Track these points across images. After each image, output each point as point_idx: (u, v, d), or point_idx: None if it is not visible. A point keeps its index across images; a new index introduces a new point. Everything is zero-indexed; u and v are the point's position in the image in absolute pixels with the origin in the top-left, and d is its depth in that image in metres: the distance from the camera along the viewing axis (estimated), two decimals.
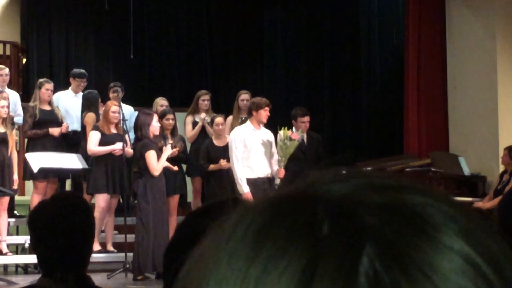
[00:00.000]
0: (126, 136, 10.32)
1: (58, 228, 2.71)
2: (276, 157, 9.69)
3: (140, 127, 9.72)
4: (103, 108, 10.47)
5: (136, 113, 11.31)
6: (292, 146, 9.66)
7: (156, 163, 9.52)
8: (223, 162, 10.42)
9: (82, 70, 11.75)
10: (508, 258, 0.56)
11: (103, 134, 10.18)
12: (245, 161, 9.45)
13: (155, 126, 9.70)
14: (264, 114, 9.63)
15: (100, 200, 10.12)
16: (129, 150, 10.23)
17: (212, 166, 10.51)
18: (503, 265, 0.55)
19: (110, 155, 10.18)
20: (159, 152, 9.66)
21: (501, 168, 10.33)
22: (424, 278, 0.52)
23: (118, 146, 10.17)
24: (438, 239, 0.54)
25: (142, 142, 9.69)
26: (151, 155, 9.52)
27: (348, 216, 0.55)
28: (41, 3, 14.29)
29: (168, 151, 9.73)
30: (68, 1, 14.39)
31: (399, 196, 0.57)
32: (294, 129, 10.12)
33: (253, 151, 9.50)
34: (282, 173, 9.64)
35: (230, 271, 0.55)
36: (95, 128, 10.28)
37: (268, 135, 9.74)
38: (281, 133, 9.68)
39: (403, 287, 0.51)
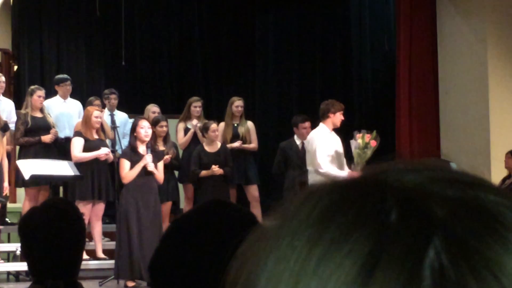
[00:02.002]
0: (107, 141, 10.35)
1: (48, 235, 2.70)
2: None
3: (130, 133, 9.77)
4: (84, 114, 10.49)
5: (131, 120, 11.37)
6: (371, 151, 9.53)
7: (124, 170, 9.49)
8: (215, 168, 10.41)
9: (64, 75, 11.76)
10: None
11: (86, 140, 10.17)
12: None
13: (139, 132, 9.62)
14: (340, 117, 9.53)
15: (83, 208, 10.11)
16: (111, 156, 10.23)
17: (203, 172, 10.50)
18: None
19: (95, 160, 10.18)
20: (137, 160, 9.61)
21: (494, 173, 10.33)
22: (492, 278, 0.50)
23: (103, 151, 10.17)
24: (510, 240, 0.52)
25: (123, 149, 9.76)
26: (121, 163, 9.56)
27: (417, 206, 0.54)
28: (33, 11, 14.27)
29: (143, 161, 9.57)
30: (60, 9, 14.37)
31: (471, 192, 0.55)
32: (368, 134, 9.80)
33: (330, 154, 9.41)
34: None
35: (291, 250, 0.54)
36: (78, 134, 10.26)
37: (338, 138, 9.61)
38: (360, 141, 9.50)
39: (470, 284, 0.50)
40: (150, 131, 9.77)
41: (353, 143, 9.58)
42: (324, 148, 9.25)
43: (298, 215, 0.56)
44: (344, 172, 9.25)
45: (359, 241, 0.52)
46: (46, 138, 10.58)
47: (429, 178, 0.56)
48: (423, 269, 0.50)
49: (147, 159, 9.58)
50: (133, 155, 9.57)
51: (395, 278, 0.50)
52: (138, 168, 9.52)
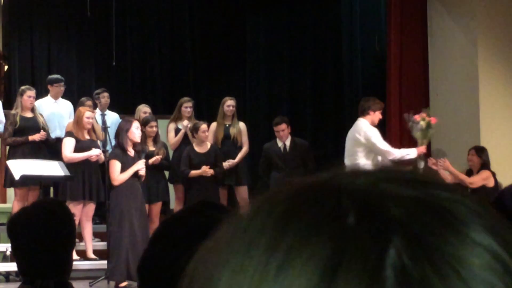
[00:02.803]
0: (99, 142, 10.32)
1: (37, 235, 2.70)
2: None
3: (118, 133, 9.68)
4: (76, 114, 10.47)
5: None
6: (432, 128, 9.85)
7: (115, 172, 9.44)
8: (205, 168, 10.41)
9: (58, 75, 11.74)
10: None
11: (77, 141, 10.16)
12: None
13: (133, 133, 9.60)
14: (379, 116, 9.81)
15: (74, 208, 10.09)
16: (102, 157, 10.22)
17: (193, 172, 10.50)
18: None
19: (86, 161, 10.15)
20: (129, 161, 9.58)
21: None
22: (453, 273, 0.51)
23: (94, 152, 10.15)
24: (467, 235, 0.53)
25: (112, 150, 9.72)
26: (112, 164, 9.50)
27: (374, 207, 0.54)
28: (23, 10, 14.24)
29: (138, 165, 9.56)
30: (50, 9, 14.34)
31: (426, 191, 0.55)
32: (423, 113, 10.05)
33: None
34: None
35: (248, 260, 0.53)
36: (69, 134, 10.24)
37: None
38: (422, 123, 9.73)
39: (432, 280, 0.50)
40: (140, 133, 9.81)
41: (413, 126, 9.71)
42: (379, 137, 9.55)
43: (253, 224, 0.55)
44: (413, 149, 9.73)
45: (318, 246, 0.52)
46: (34, 137, 10.54)
47: (382, 179, 0.57)
48: (385, 270, 0.50)
49: (141, 165, 9.57)
50: (124, 157, 9.55)
51: (357, 280, 0.50)
52: (131, 171, 9.49)
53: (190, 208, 1.85)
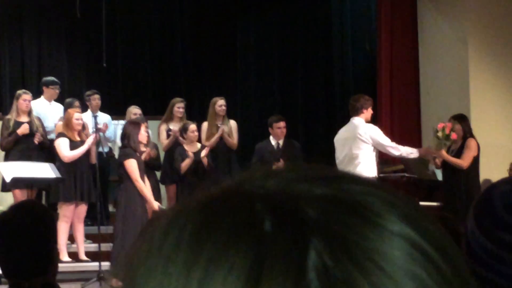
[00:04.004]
0: (91, 140, 10.29)
1: (17, 236, 2.71)
2: None
3: (128, 136, 9.65)
4: (65, 116, 10.46)
5: (114, 121, 11.35)
6: (450, 142, 9.77)
7: (136, 172, 9.45)
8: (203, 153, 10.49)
9: (54, 78, 11.73)
10: (451, 244, 0.55)
11: (70, 141, 10.16)
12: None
13: (143, 135, 9.69)
14: (371, 112, 9.77)
15: (65, 210, 10.05)
16: (93, 158, 10.24)
17: (186, 162, 10.51)
18: (448, 250, 0.54)
19: (77, 162, 10.13)
20: (140, 161, 9.63)
21: None
22: (376, 268, 0.50)
23: (90, 139, 10.18)
24: (384, 226, 0.52)
25: (123, 150, 9.68)
26: (131, 164, 9.47)
27: (289, 211, 0.53)
28: (13, 12, 14.20)
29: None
30: (40, 10, 14.31)
31: (338, 186, 0.55)
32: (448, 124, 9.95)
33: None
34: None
35: (167, 278, 0.52)
36: (61, 135, 10.22)
37: None
38: (440, 134, 9.72)
39: (356, 278, 0.50)
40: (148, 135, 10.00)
41: (433, 133, 9.82)
42: (382, 133, 9.53)
43: (168, 240, 0.54)
44: (415, 150, 9.68)
45: (238, 256, 0.51)
46: (22, 130, 10.48)
47: (292, 179, 0.56)
48: (308, 273, 0.50)
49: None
50: (137, 157, 9.60)
51: (282, 286, 0.49)
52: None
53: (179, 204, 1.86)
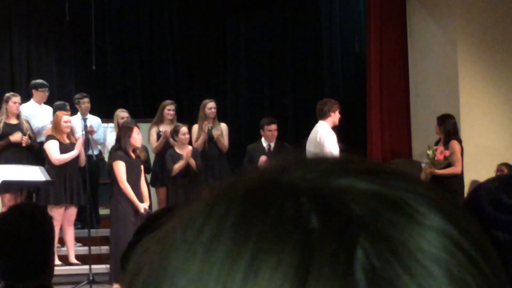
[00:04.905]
0: (80, 144, 10.27)
1: (15, 237, 2.70)
2: None
3: (120, 139, 9.67)
4: (54, 119, 10.45)
5: (103, 124, 11.35)
6: (440, 166, 9.78)
7: (122, 173, 9.44)
8: (188, 154, 10.46)
9: (42, 81, 11.73)
10: (490, 245, 0.54)
11: (60, 143, 10.16)
12: None
13: (135, 138, 9.66)
14: (338, 115, 9.85)
15: (55, 213, 10.05)
16: (83, 160, 10.23)
17: (177, 166, 10.49)
18: (488, 252, 0.53)
19: (66, 165, 10.12)
20: (133, 164, 9.60)
21: (465, 173, 10.35)
22: (422, 269, 0.50)
23: (80, 143, 10.17)
24: (428, 225, 0.51)
25: (114, 152, 9.68)
26: (119, 166, 9.46)
27: (334, 206, 0.51)
28: (1, 15, 14.16)
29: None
30: (29, 13, 14.28)
31: (380, 182, 0.53)
32: (442, 149, 9.94)
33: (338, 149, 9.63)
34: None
35: (208, 267, 0.50)
36: (51, 137, 10.21)
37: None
38: (430, 152, 9.78)
39: (403, 280, 0.49)
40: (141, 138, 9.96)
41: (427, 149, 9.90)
42: (335, 143, 9.51)
43: (206, 229, 0.52)
44: None
45: (285, 252, 0.49)
46: (16, 137, 10.49)
47: (333, 172, 0.54)
48: (355, 273, 0.49)
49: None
50: (128, 159, 9.56)
51: (329, 287, 0.48)
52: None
53: (175, 204, 1.87)
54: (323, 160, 0.56)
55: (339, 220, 0.51)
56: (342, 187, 0.53)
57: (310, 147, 9.63)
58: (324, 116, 9.75)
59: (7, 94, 10.92)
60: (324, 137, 9.52)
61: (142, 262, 0.55)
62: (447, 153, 9.76)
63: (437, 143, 10.21)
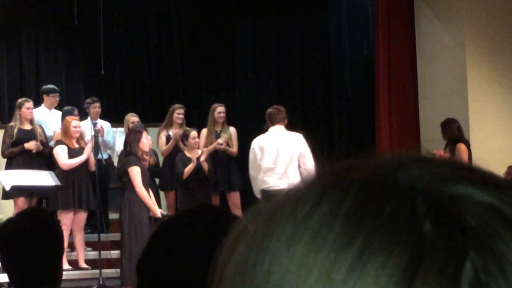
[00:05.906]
0: (89, 149, 10.27)
1: (26, 244, 2.69)
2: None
3: (129, 143, 9.68)
4: (63, 124, 10.47)
5: (113, 129, 11.36)
6: None
7: (138, 179, 9.45)
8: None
9: (53, 86, 11.77)
10: None
11: (68, 148, 10.17)
12: None
13: (144, 143, 9.69)
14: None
15: (65, 218, 10.06)
16: (92, 165, 10.25)
17: (187, 169, 10.50)
18: None
19: (76, 170, 10.14)
20: (144, 169, 9.63)
21: None
22: None
23: (89, 148, 10.18)
24: None
25: (127, 158, 9.67)
26: (135, 171, 9.47)
27: (450, 214, 0.50)
28: (10, 20, 14.20)
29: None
30: (38, 18, 14.31)
31: (498, 195, 0.51)
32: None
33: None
34: None
35: (313, 253, 0.49)
36: (60, 142, 10.23)
37: None
38: None
39: None
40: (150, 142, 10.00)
41: None
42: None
43: (316, 214, 0.51)
44: None
45: (395, 252, 0.48)
46: (30, 145, 10.53)
47: (451, 178, 0.53)
48: (461, 284, 0.48)
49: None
50: (141, 164, 9.60)
51: None
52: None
53: (189, 209, 1.87)
54: (434, 162, 0.55)
55: (452, 230, 0.49)
56: (459, 195, 0.51)
57: (283, 152, 9.60)
58: (281, 121, 9.80)
59: (20, 100, 10.95)
60: (306, 147, 9.52)
61: (247, 227, 0.54)
62: (447, 156, 9.72)
63: (446, 146, 10.20)
